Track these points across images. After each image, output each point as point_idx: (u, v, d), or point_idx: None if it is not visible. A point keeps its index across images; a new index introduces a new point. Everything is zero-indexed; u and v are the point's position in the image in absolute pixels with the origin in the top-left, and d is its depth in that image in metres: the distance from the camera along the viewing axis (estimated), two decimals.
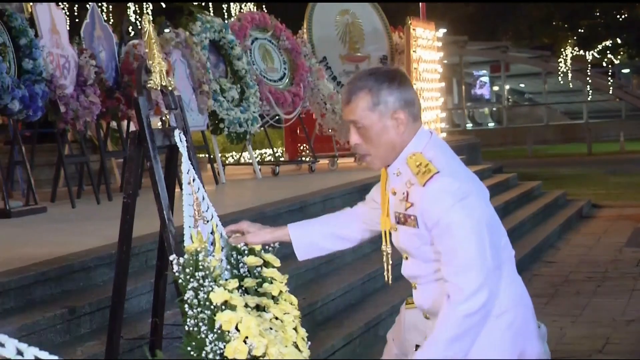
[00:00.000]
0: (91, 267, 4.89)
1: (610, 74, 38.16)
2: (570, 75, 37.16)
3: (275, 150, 13.10)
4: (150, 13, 17.76)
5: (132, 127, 9.10)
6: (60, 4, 11.26)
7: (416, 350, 2.79)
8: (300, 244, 3.12)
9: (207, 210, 3.18)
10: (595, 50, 39.32)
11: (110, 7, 18.42)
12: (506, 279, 2.75)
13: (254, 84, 10.37)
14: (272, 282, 3.08)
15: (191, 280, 2.83)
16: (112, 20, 16.97)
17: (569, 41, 38.97)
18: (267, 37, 11.32)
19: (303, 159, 12.94)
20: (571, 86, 38.19)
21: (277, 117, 11.58)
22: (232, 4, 19.98)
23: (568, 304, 7.44)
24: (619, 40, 40.27)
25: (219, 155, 10.57)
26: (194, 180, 3.17)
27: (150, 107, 3.38)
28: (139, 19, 16.98)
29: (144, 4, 18.77)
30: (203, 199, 3.18)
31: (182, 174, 3.15)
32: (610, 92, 37.42)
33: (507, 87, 39.59)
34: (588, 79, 37.34)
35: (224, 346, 2.73)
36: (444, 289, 2.69)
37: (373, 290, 6.49)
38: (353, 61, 12.33)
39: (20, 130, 8.68)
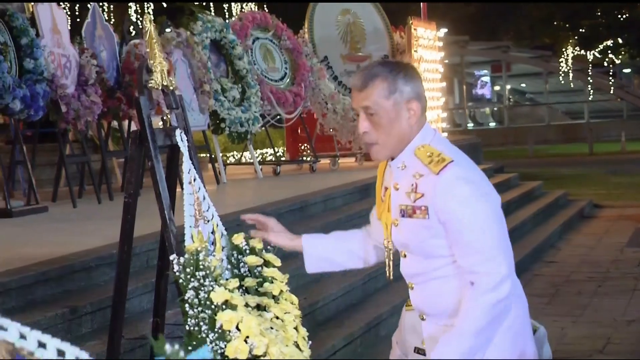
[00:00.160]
0: (92, 266, 4.89)
1: (611, 73, 38.14)
2: (571, 75, 37.14)
3: (276, 150, 13.10)
4: (151, 13, 17.76)
5: (134, 127, 9.10)
6: (61, 3, 11.26)
7: (415, 351, 2.78)
8: (312, 256, 3.06)
9: (207, 210, 3.18)
10: (597, 50, 39.30)
11: (112, 6, 18.43)
12: None
13: (255, 83, 10.38)
14: (272, 282, 3.07)
15: (192, 279, 2.83)
16: (113, 20, 16.97)
17: (570, 41, 38.95)
18: (269, 36, 11.32)
19: (304, 158, 12.95)
20: (572, 86, 38.17)
21: (278, 117, 11.59)
22: (233, 3, 19.98)
23: (569, 304, 7.44)
24: (620, 40, 40.25)
25: (220, 155, 10.57)
26: (195, 179, 3.17)
27: (151, 106, 3.38)
28: (140, 19, 16.99)
29: (145, 3, 18.77)
30: (204, 198, 3.18)
31: (183, 174, 3.15)
32: (612, 92, 37.40)
33: (508, 87, 39.58)
34: (589, 78, 37.32)
35: (225, 345, 2.73)
36: (464, 280, 2.65)
37: (374, 290, 6.49)
38: (354, 61, 12.32)
39: (22, 130, 8.69)
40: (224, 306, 2.80)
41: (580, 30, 40.66)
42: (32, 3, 8.07)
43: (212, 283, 2.82)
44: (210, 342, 2.74)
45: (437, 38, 13.53)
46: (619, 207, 13.48)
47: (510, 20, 39.71)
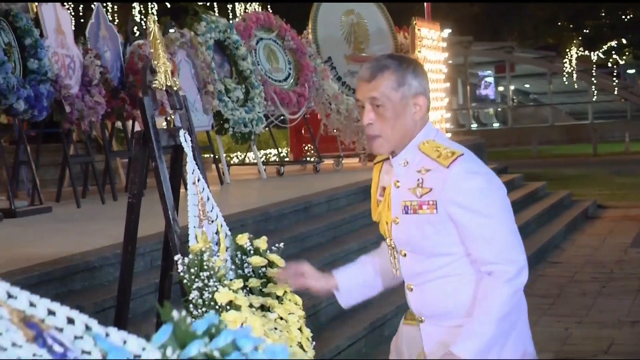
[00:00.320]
0: (96, 267, 4.89)
1: (615, 74, 38.12)
2: (575, 75, 37.12)
3: (280, 150, 13.11)
4: (155, 13, 17.78)
5: (137, 127, 9.11)
6: (65, 4, 11.27)
7: None
8: (349, 288, 2.92)
9: (212, 211, 3.18)
10: (601, 50, 39.28)
11: (115, 7, 18.44)
12: None
13: (259, 84, 10.38)
14: (276, 283, 3.07)
15: (196, 280, 2.83)
16: (117, 21, 16.99)
17: (574, 41, 38.90)
18: (272, 37, 11.32)
19: (308, 159, 12.94)
20: (576, 87, 38.14)
21: (282, 117, 11.58)
22: (237, 4, 20.00)
23: (573, 304, 7.43)
24: (624, 41, 40.21)
25: (224, 155, 10.57)
26: (198, 180, 3.17)
27: (155, 107, 3.38)
28: (144, 19, 17.00)
29: (149, 4, 18.79)
30: (208, 199, 3.18)
31: (187, 174, 3.15)
32: (616, 93, 37.37)
33: (512, 87, 39.54)
34: (593, 79, 37.29)
35: None
36: (470, 276, 2.63)
37: None
38: (358, 61, 12.31)
39: (26, 130, 8.69)
40: (228, 307, 2.80)
41: (585, 30, 40.61)
42: (36, 3, 8.08)
43: (216, 283, 2.82)
44: None
45: (440, 38, 13.52)
46: (623, 208, 13.46)
47: (514, 20, 39.67)
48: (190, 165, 3.17)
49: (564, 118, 38.56)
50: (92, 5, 9.22)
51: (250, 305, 2.91)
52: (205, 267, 2.84)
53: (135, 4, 18.90)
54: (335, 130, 11.85)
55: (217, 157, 10.22)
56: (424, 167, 2.68)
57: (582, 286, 8.14)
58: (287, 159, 13.75)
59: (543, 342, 6.13)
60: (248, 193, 9.47)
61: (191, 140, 3.30)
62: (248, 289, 3.04)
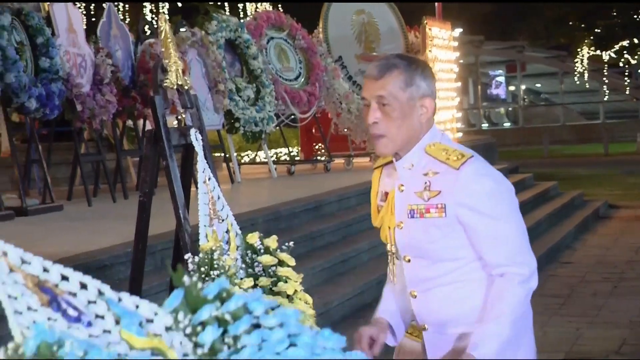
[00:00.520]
0: (107, 265, 4.90)
1: (627, 74, 37.97)
2: (586, 75, 37.00)
3: (290, 149, 13.10)
4: (166, 12, 17.80)
5: (148, 126, 9.13)
6: (77, 3, 11.30)
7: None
8: (396, 324, 2.84)
9: (222, 209, 3.19)
10: (612, 50, 39.12)
11: (127, 6, 18.47)
12: None
13: (270, 83, 10.39)
14: (287, 281, 3.07)
15: (206, 279, 2.83)
16: (128, 20, 17.03)
17: (586, 41, 38.78)
18: (283, 36, 11.33)
19: (318, 158, 12.95)
20: (588, 86, 38.01)
21: (292, 117, 11.59)
22: (247, 3, 20.00)
23: (584, 304, 7.41)
24: (635, 40, 40.03)
25: (235, 154, 10.59)
26: (209, 179, 3.17)
27: (166, 106, 3.39)
28: (155, 18, 17.03)
29: (160, 3, 18.82)
30: (218, 198, 3.19)
31: (197, 173, 3.15)
32: (627, 93, 37.23)
33: (523, 87, 39.45)
34: (605, 79, 37.16)
35: None
36: (493, 274, 2.58)
37: None
38: (369, 60, 12.29)
39: (37, 129, 8.72)
40: None
41: (596, 30, 40.48)
42: (48, 2, 8.11)
43: None
44: None
45: (451, 38, 13.50)
46: (635, 208, 13.41)
47: (525, 20, 39.58)
48: (201, 164, 3.17)
49: (576, 118, 38.44)
50: (104, 4, 9.24)
51: None
52: (216, 265, 2.84)
53: (146, 3, 18.94)
54: (345, 130, 11.85)
55: (227, 156, 10.24)
56: (431, 170, 2.64)
57: (593, 286, 8.11)
58: (297, 158, 13.75)
59: (554, 342, 6.12)
60: (258, 192, 9.48)
61: (202, 139, 3.30)
62: (258, 287, 3.04)
